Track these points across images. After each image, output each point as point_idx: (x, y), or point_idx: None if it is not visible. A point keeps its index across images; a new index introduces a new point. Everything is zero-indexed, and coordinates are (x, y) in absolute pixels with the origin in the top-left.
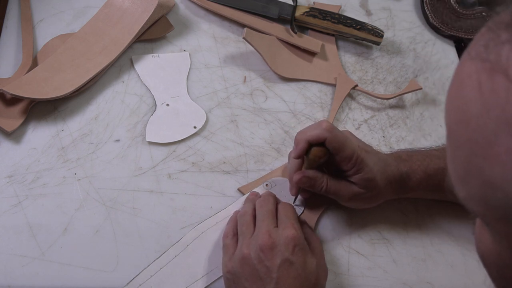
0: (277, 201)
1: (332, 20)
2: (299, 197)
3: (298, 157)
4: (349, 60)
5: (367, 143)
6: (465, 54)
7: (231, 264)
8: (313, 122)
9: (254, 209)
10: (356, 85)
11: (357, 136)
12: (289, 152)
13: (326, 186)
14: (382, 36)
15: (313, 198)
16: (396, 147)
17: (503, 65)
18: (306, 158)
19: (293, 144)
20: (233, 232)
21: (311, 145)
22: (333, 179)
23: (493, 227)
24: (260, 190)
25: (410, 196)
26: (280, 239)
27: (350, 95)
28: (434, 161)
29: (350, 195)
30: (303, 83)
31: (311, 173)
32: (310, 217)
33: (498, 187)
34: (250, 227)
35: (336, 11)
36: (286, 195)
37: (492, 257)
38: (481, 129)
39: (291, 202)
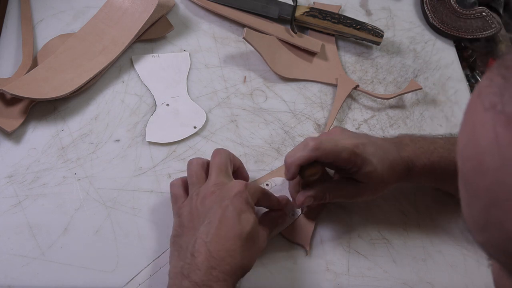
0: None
1: (332, 20)
2: None
3: (291, 180)
4: (349, 60)
5: None
6: (476, 101)
7: (177, 219)
8: (313, 122)
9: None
10: (357, 86)
11: None
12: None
13: (330, 197)
14: (382, 36)
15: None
16: None
17: None
18: (301, 178)
19: (293, 144)
20: (182, 181)
21: (302, 166)
22: (335, 185)
23: None
24: None
25: (414, 184)
26: (226, 190)
27: (350, 95)
28: (438, 150)
29: (354, 193)
30: (303, 83)
31: (312, 192)
32: (309, 218)
33: None
34: (201, 179)
35: (336, 11)
36: (286, 195)
37: None
38: (501, 183)
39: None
